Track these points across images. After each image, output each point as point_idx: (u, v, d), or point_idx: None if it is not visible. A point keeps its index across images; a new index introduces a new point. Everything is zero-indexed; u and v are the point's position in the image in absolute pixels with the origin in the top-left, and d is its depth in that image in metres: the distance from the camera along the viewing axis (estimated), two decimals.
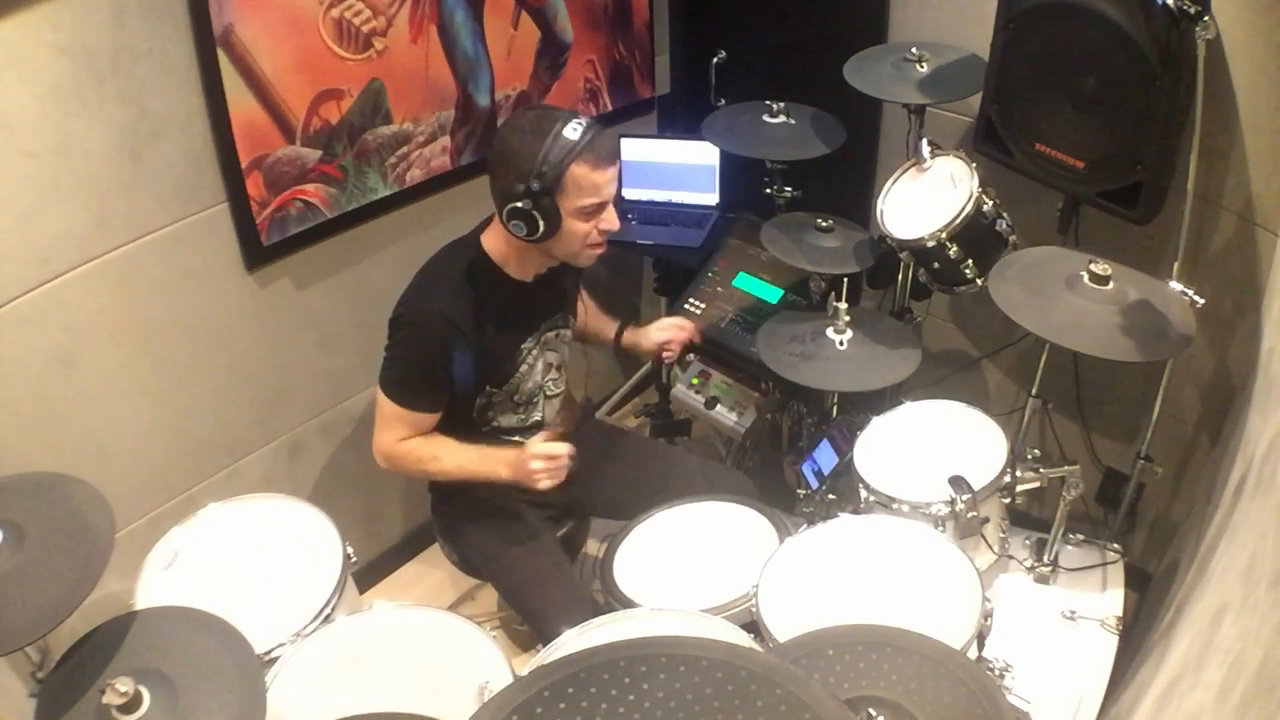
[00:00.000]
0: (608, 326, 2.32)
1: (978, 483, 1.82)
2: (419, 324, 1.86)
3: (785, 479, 2.45)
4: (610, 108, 2.88)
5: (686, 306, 2.58)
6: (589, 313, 2.28)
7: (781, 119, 2.47)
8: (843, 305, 2.12)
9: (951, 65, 2.22)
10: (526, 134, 1.76)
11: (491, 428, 2.03)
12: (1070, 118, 1.95)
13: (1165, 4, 1.69)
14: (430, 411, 1.91)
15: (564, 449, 1.85)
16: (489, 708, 0.89)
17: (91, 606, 1.36)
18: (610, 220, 1.85)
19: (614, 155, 1.81)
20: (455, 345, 1.85)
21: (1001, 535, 1.97)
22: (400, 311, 1.89)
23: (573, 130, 1.73)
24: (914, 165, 2.18)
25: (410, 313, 1.87)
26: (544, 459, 1.84)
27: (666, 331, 2.26)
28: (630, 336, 2.29)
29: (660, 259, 2.95)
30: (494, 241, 1.91)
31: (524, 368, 1.99)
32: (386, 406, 1.90)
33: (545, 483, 1.85)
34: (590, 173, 1.76)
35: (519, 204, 1.74)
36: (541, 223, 1.76)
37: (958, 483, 1.80)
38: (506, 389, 1.98)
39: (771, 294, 2.52)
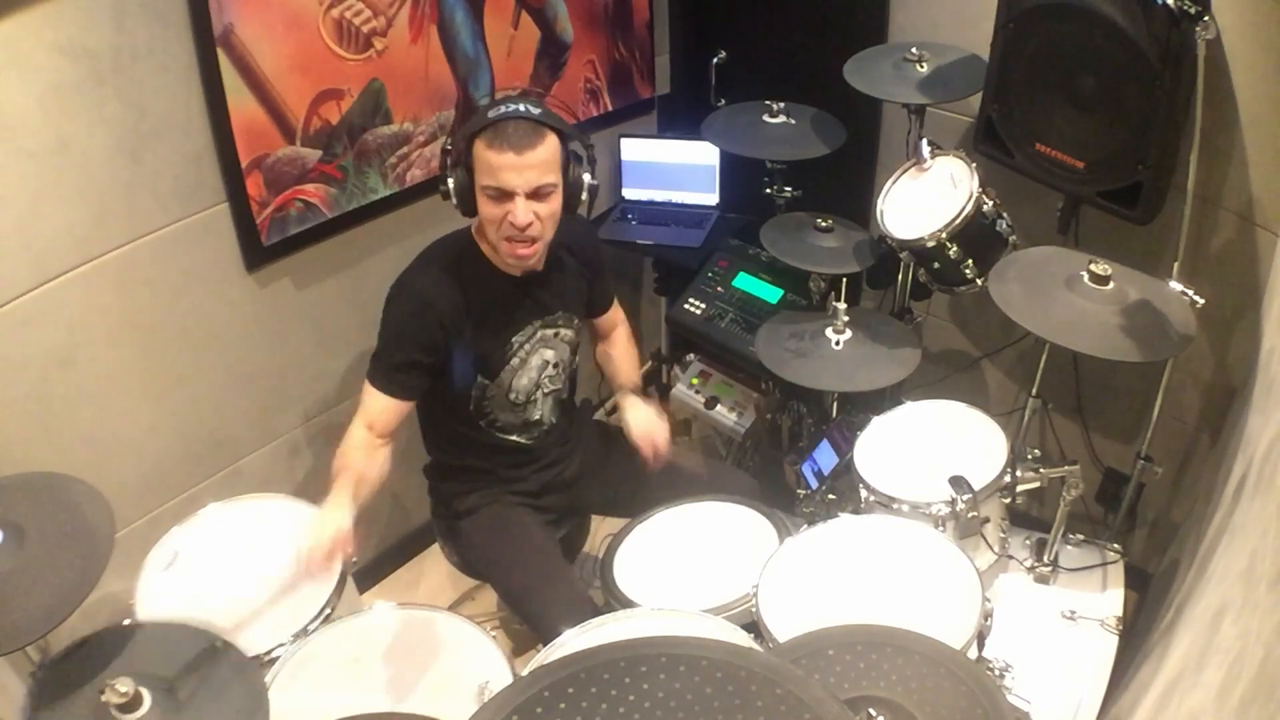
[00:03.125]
0: (622, 380, 2.22)
1: (978, 483, 1.82)
2: (400, 303, 1.88)
3: (785, 479, 2.45)
4: (610, 108, 2.88)
5: (686, 306, 2.58)
6: (617, 350, 2.25)
7: (781, 119, 2.47)
8: (842, 305, 2.12)
9: (951, 65, 2.22)
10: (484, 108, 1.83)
11: (489, 421, 2.03)
12: (1070, 118, 1.95)
13: (1165, 4, 1.69)
14: (387, 395, 1.86)
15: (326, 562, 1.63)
16: (489, 708, 0.89)
17: (91, 606, 1.37)
18: (514, 215, 1.75)
19: (519, 144, 1.71)
20: (430, 330, 1.85)
21: (1001, 535, 1.97)
22: (390, 292, 1.91)
23: (495, 110, 1.75)
24: (914, 165, 2.18)
25: (394, 292, 1.90)
26: (320, 552, 1.62)
27: (643, 441, 2.05)
28: (620, 403, 2.16)
29: (660, 259, 2.95)
30: (480, 231, 1.93)
31: (514, 361, 1.98)
32: (365, 387, 1.90)
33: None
34: (486, 150, 1.73)
35: (445, 167, 1.81)
36: (454, 196, 1.80)
37: (958, 483, 1.80)
38: (498, 383, 1.98)
39: (771, 294, 2.52)
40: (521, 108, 1.74)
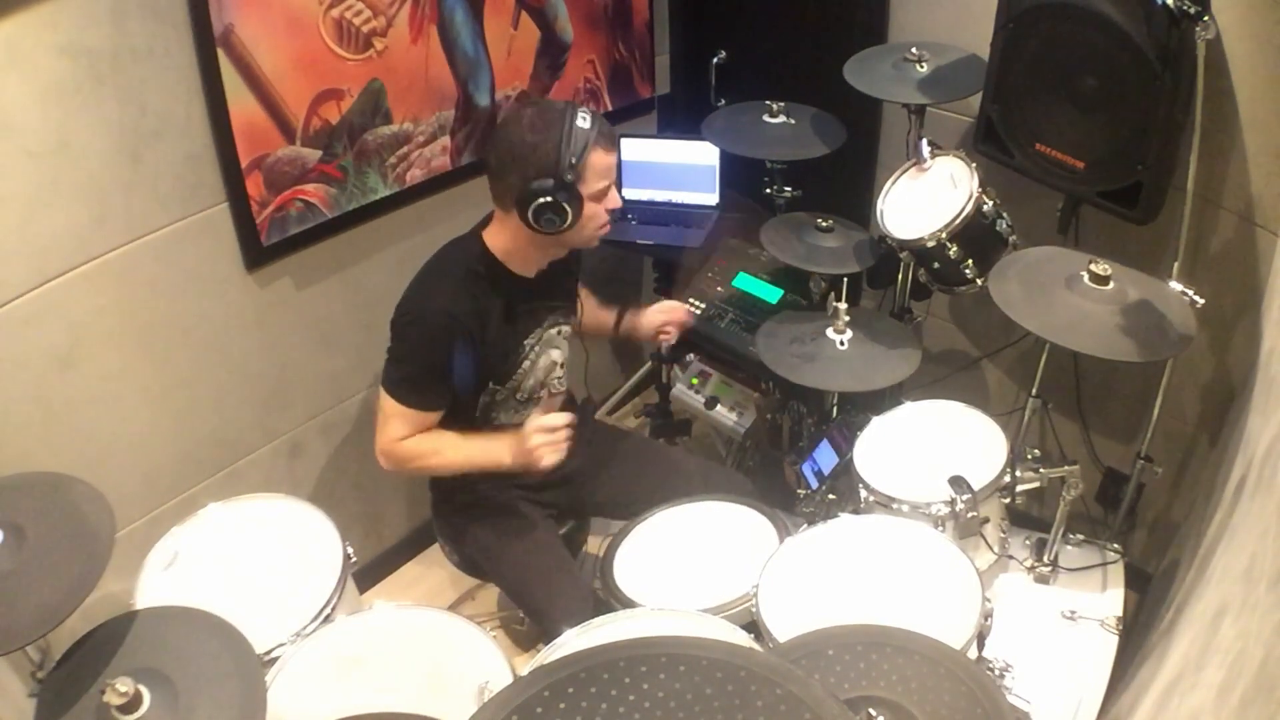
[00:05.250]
0: (607, 316, 2.33)
1: (978, 483, 1.82)
2: (424, 322, 1.86)
3: (785, 479, 2.45)
4: (610, 108, 2.88)
5: (686, 306, 2.58)
6: (589, 307, 2.28)
7: (781, 119, 2.47)
8: (843, 305, 2.12)
9: (951, 65, 2.22)
10: (539, 129, 1.78)
11: (494, 427, 2.03)
12: (1070, 118, 1.95)
13: (1165, 4, 1.69)
14: (433, 410, 1.91)
15: (562, 419, 1.87)
16: (489, 708, 0.89)
17: (91, 606, 1.37)
18: (614, 199, 1.90)
19: (616, 135, 1.89)
20: (460, 342, 1.85)
21: (1001, 535, 1.97)
22: (404, 311, 1.89)
23: (583, 120, 1.79)
24: (914, 165, 2.18)
25: (414, 311, 1.88)
26: (543, 432, 1.85)
27: (663, 314, 2.30)
28: (630, 320, 2.32)
29: (660, 259, 2.95)
30: (496, 238, 1.91)
31: (526, 364, 1.99)
32: (389, 405, 1.90)
33: (549, 458, 1.86)
34: (605, 156, 1.84)
35: (548, 198, 1.77)
36: (570, 213, 1.80)
37: (958, 483, 1.80)
38: (509, 386, 1.98)
39: (771, 294, 2.52)
40: (587, 106, 1.87)
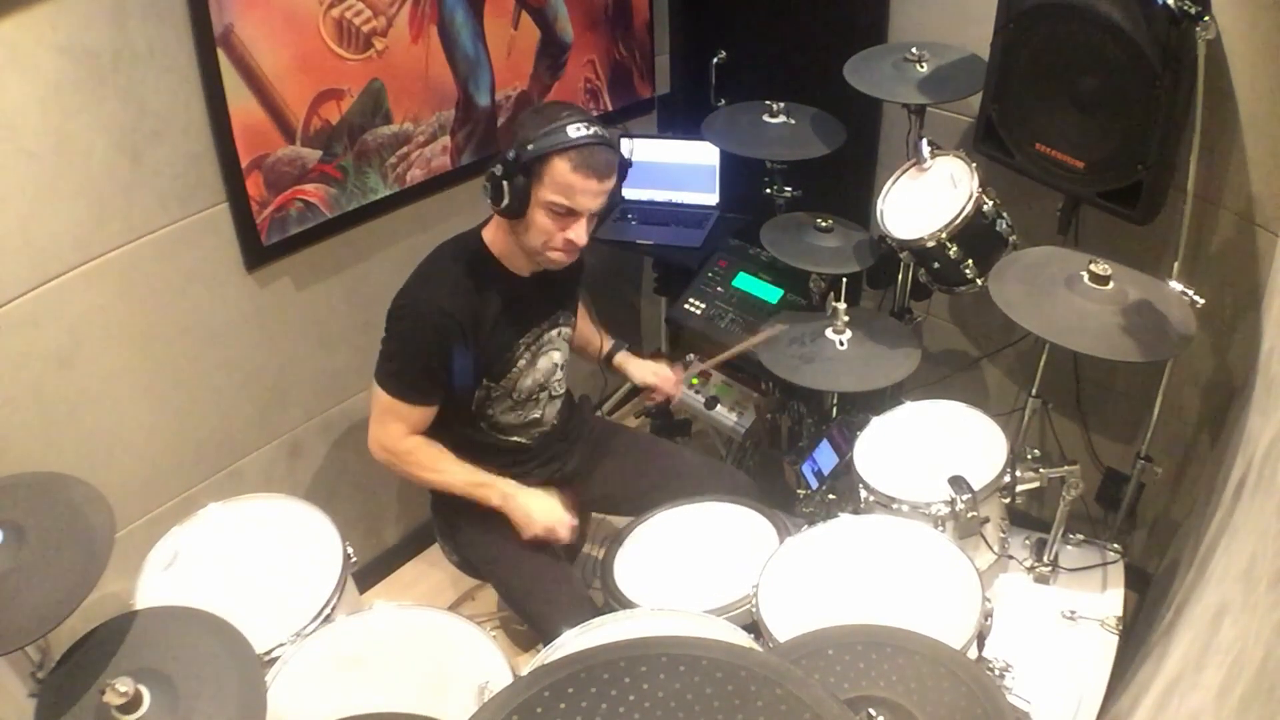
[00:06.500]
0: (600, 340, 2.30)
1: (978, 483, 1.82)
2: (416, 317, 1.86)
3: (785, 479, 2.45)
4: (610, 108, 2.88)
5: (686, 306, 2.58)
6: (580, 321, 2.27)
7: (781, 119, 2.47)
8: (842, 305, 2.12)
9: (951, 65, 2.22)
10: (535, 115, 1.81)
11: (491, 423, 2.03)
12: (1070, 118, 1.95)
13: (1165, 4, 1.69)
14: (424, 405, 1.92)
15: (568, 536, 2.00)
16: (489, 708, 0.89)
17: (91, 606, 1.37)
18: (577, 233, 1.82)
19: (603, 171, 1.78)
20: (452, 339, 1.86)
21: (1001, 535, 1.97)
22: (399, 303, 1.89)
23: (574, 129, 1.74)
24: (914, 165, 2.18)
25: (408, 305, 1.88)
26: (546, 532, 1.97)
27: (656, 377, 2.28)
28: (621, 360, 2.31)
29: (660, 259, 2.95)
30: (494, 235, 1.92)
31: (521, 363, 1.99)
32: (382, 398, 1.91)
33: (528, 537, 1.99)
34: (569, 172, 1.75)
35: (496, 170, 1.78)
36: (507, 196, 1.78)
37: (958, 483, 1.80)
38: (504, 384, 1.98)
39: (771, 294, 2.52)
40: (597, 131, 1.77)
